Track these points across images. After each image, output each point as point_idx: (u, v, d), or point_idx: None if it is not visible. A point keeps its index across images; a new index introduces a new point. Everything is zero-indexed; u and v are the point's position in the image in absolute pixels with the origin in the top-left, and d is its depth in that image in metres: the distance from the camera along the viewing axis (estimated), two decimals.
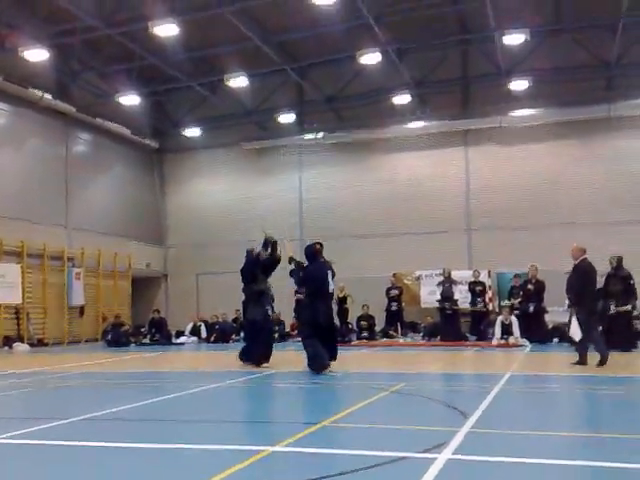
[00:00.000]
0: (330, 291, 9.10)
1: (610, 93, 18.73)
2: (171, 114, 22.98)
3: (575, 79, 18.93)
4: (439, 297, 16.33)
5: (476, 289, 16.70)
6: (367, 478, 3.57)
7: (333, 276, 9.20)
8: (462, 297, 16.81)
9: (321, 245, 9.25)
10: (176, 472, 3.73)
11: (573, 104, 18.61)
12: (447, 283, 16.38)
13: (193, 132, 22.30)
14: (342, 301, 18.76)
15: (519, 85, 18.79)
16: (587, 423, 5.33)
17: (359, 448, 4.25)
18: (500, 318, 14.71)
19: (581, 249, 9.68)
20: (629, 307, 12.55)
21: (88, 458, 4.14)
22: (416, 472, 3.50)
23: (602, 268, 16.97)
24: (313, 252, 9.19)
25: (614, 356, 9.36)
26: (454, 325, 15.99)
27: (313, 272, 8.95)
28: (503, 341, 14.21)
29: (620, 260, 12.75)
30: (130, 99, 19.69)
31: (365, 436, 4.89)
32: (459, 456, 3.87)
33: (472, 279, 16.98)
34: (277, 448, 4.20)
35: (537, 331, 14.68)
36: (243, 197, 22.14)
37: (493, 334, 14.79)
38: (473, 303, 16.67)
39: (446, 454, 3.90)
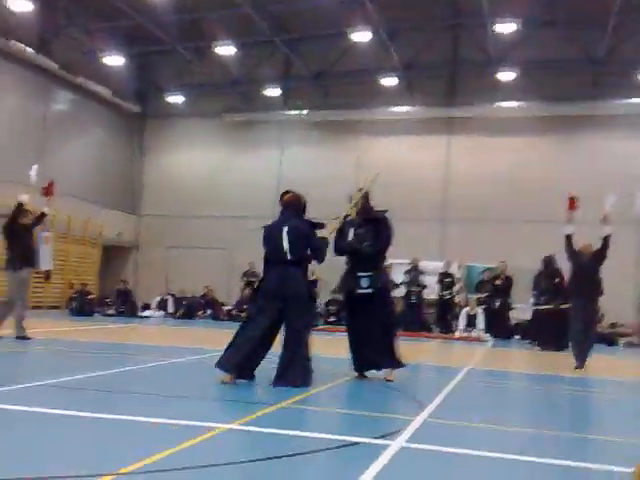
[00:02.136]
0: (285, 251, 6.26)
1: (596, 90, 18.81)
2: (155, 78, 22.56)
3: (562, 74, 18.96)
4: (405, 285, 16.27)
5: (445, 280, 16.79)
6: (319, 460, 3.57)
7: (315, 227, 6.55)
8: (429, 288, 16.86)
9: (287, 193, 6.69)
10: (126, 443, 3.69)
11: (557, 99, 18.69)
12: (413, 272, 16.48)
13: (176, 99, 21.96)
14: (312, 283, 18.75)
15: (506, 76, 18.81)
16: (540, 420, 5.41)
17: (314, 431, 4.25)
18: (466, 309, 14.90)
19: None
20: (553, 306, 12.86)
21: (34, 424, 4.08)
22: (368, 457, 3.52)
23: (563, 267, 17.42)
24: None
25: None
26: (419, 315, 16.13)
27: (265, 232, 6.54)
28: (466, 334, 14.40)
29: (549, 259, 13.31)
30: (114, 59, 19.32)
31: (321, 419, 4.91)
32: (412, 444, 3.90)
33: (443, 270, 17.05)
34: (232, 426, 4.19)
35: (500, 327, 14.91)
36: (221, 170, 21.86)
37: (457, 326, 15.01)
38: (441, 294, 16.79)
39: (400, 442, 3.93)
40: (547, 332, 12.34)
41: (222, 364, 6.05)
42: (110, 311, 18.05)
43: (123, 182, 22.68)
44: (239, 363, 6.03)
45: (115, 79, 20.84)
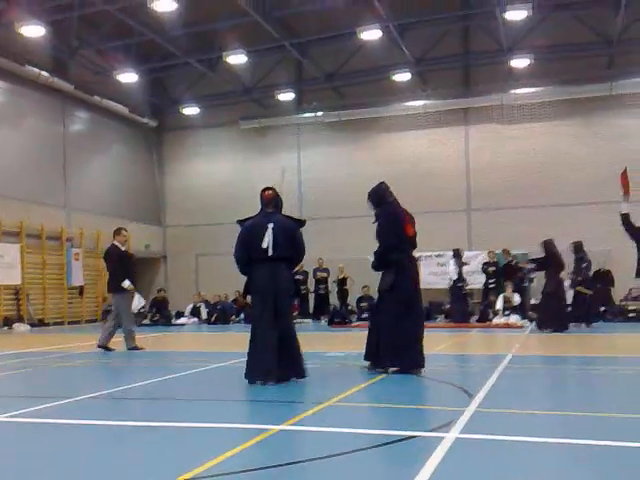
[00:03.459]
0: (264, 248, 6.12)
1: (612, 71, 18.62)
2: (169, 92, 22.81)
3: (577, 56, 18.76)
4: (453, 277, 15.69)
5: (489, 269, 16.62)
6: (376, 456, 3.56)
7: (301, 223, 6.45)
8: (472, 278, 16.79)
9: (268, 189, 6.49)
10: (182, 449, 3.71)
11: (574, 82, 18.46)
12: (461, 263, 16.22)
13: (191, 110, 22.14)
14: (342, 282, 18.80)
15: (520, 62, 18.64)
16: (590, 403, 5.33)
17: (366, 427, 4.24)
18: (504, 294, 14.80)
19: None
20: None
21: (92, 437, 4.13)
22: (425, 451, 3.50)
23: (600, 248, 17.23)
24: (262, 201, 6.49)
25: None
26: (466, 305, 15.95)
27: (246, 228, 6.36)
28: (504, 319, 14.27)
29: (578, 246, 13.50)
30: (128, 76, 19.51)
31: (371, 415, 4.90)
32: (467, 435, 3.87)
33: (487, 260, 16.90)
34: (283, 427, 4.19)
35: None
36: (241, 177, 22.01)
37: (494, 314, 14.88)
38: (486, 284, 16.60)
39: (454, 433, 3.90)
40: (548, 313, 12.36)
41: (249, 375, 6.07)
42: (145, 321, 18.24)
43: (146, 195, 22.93)
44: (268, 369, 5.97)
45: (131, 96, 21.07)
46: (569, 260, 13.59)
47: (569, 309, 13.39)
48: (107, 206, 20.72)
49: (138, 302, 10.15)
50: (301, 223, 6.50)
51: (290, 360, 6.10)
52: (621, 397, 5.46)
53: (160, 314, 18.49)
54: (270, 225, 6.17)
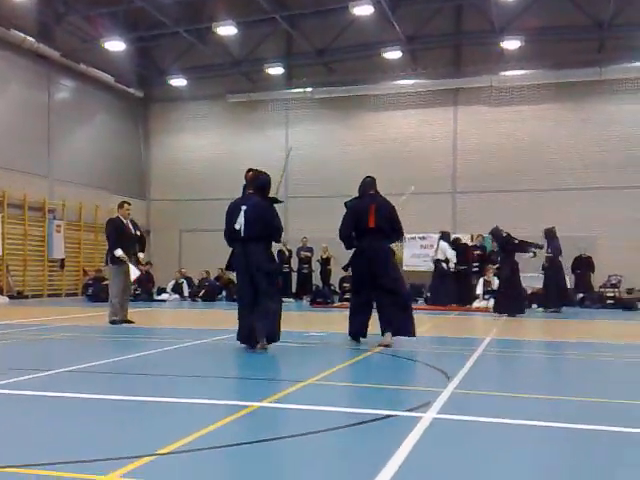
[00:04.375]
0: (237, 229, 6.71)
1: (602, 55, 18.60)
2: (157, 62, 22.45)
3: (567, 40, 18.71)
4: (441, 257, 15.54)
5: (474, 252, 16.62)
6: (354, 434, 3.59)
7: (274, 201, 6.92)
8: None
9: (250, 170, 7.06)
10: (162, 424, 3.72)
11: (564, 66, 18.45)
12: (452, 245, 16.14)
13: (179, 82, 21.84)
14: (325, 262, 18.82)
15: (511, 44, 18.55)
16: (565, 387, 5.41)
17: (345, 406, 4.28)
18: (484, 278, 14.91)
19: None
20: None
21: (69, 409, 4.14)
22: (403, 430, 3.53)
23: (583, 234, 17.42)
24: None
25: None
26: (451, 287, 15.93)
27: (227, 209, 6.98)
28: (484, 303, 14.40)
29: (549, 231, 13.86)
30: (115, 45, 19.17)
31: (350, 394, 4.94)
32: (444, 415, 3.91)
33: (473, 243, 16.85)
34: (263, 404, 4.21)
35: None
36: (228, 152, 21.83)
37: (475, 297, 14.99)
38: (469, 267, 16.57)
39: (431, 413, 3.94)
40: (505, 298, 12.61)
41: (238, 336, 6.95)
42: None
43: (131, 168, 22.68)
44: (246, 335, 6.81)
45: (117, 65, 20.74)
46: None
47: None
48: (91, 178, 20.48)
49: (133, 273, 10.10)
50: (274, 201, 6.91)
51: (264, 322, 6.68)
52: (596, 381, 5.56)
53: (142, 289, 18.37)
54: (243, 207, 6.72)
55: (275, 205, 6.96)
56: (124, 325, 9.89)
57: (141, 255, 10.56)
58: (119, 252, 9.87)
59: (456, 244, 16.06)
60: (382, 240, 7.46)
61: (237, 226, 6.70)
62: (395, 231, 7.54)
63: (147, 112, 23.29)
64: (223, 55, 20.88)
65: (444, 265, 15.38)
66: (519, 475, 2.92)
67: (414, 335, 7.34)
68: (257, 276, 6.68)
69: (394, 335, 7.25)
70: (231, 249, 7.05)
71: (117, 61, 20.51)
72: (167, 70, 21.92)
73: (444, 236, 15.88)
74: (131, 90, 22.08)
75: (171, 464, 2.99)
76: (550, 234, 13.89)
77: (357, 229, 7.51)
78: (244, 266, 6.74)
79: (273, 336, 6.77)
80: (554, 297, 13.95)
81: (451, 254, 15.51)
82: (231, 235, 6.82)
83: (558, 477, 2.96)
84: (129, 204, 10.71)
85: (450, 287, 15.41)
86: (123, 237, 10.13)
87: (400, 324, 7.25)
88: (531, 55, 18.66)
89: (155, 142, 23.31)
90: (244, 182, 7.15)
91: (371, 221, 7.36)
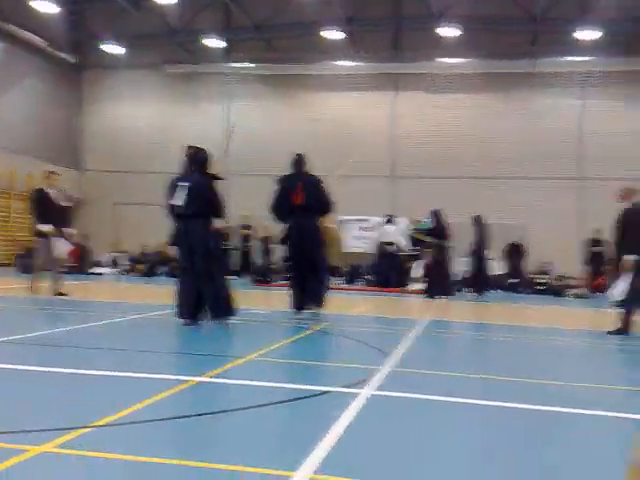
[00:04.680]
0: (179, 205, 6.73)
1: (535, 48, 19.12)
2: (92, 27, 21.56)
3: (503, 31, 19.12)
4: (386, 239, 15.83)
5: (412, 237, 16.89)
6: (292, 409, 3.64)
7: (215, 177, 6.95)
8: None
9: (191, 147, 7.03)
10: (99, 397, 3.67)
11: (500, 56, 18.89)
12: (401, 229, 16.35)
13: (114, 49, 21.12)
14: (266, 240, 18.76)
15: (450, 32, 18.82)
16: (498, 367, 5.63)
17: (284, 382, 4.32)
18: (420, 261, 15.22)
19: (632, 190, 7.80)
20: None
21: (4, 380, 4.01)
22: (338, 406, 3.59)
23: (516, 222, 18.00)
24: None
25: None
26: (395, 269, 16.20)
27: (168, 185, 6.99)
28: (421, 285, 14.73)
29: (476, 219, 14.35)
30: (47, 6, 18.38)
31: (290, 370, 4.99)
32: (381, 392, 4.01)
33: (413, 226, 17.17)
34: (202, 379, 4.20)
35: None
36: (165, 124, 21.30)
37: (411, 280, 15.30)
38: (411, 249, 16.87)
39: (368, 390, 4.03)
40: (435, 281, 13.14)
41: (178, 314, 6.86)
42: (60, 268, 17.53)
43: (64, 136, 21.84)
44: (187, 311, 6.80)
45: (50, 28, 19.88)
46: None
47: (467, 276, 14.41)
48: (22, 145, 19.59)
49: (59, 248, 9.82)
50: (216, 178, 6.98)
51: (208, 301, 6.78)
52: (521, 362, 5.80)
53: (77, 262, 17.85)
54: (184, 184, 6.74)
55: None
56: (57, 297, 9.62)
57: (71, 230, 10.27)
58: (44, 227, 9.63)
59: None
60: (310, 217, 7.83)
61: (179, 202, 6.72)
62: (324, 206, 7.92)
63: (80, 78, 22.43)
64: (160, 24, 20.30)
65: (390, 248, 15.61)
66: (449, 450, 3.04)
67: (321, 306, 7.99)
68: (198, 253, 6.72)
69: (312, 305, 7.91)
70: (175, 225, 7.05)
71: (49, 24, 19.67)
72: (102, 36, 21.06)
73: (390, 220, 16.11)
74: (64, 55, 21.22)
75: (106, 436, 2.96)
76: (477, 221, 14.42)
77: (287, 206, 7.82)
78: (185, 242, 6.77)
79: (221, 313, 6.88)
80: (480, 282, 14.51)
81: (400, 238, 15.78)
82: (173, 211, 6.85)
83: (484, 451, 3.09)
84: (56, 174, 10.30)
85: (395, 269, 15.74)
86: (47, 209, 9.82)
87: (317, 297, 7.91)
88: (468, 44, 18.96)
89: (89, 110, 22.50)
90: (182, 156, 7.14)
91: (298, 198, 7.68)
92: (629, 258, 7.33)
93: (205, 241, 6.77)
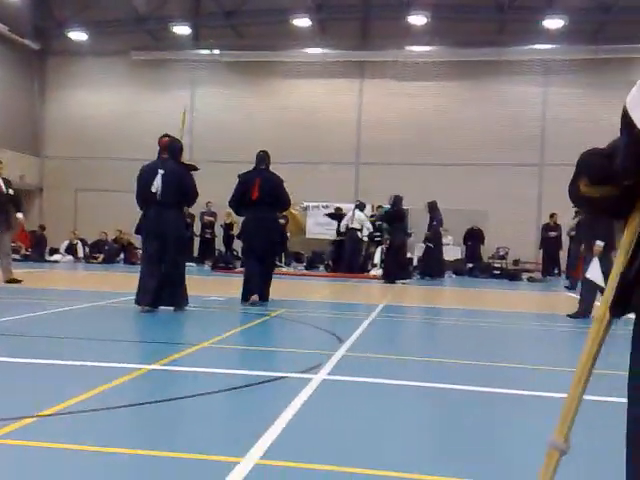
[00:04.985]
0: (154, 192, 6.76)
1: (502, 37, 19.31)
2: (55, 13, 21.06)
3: (471, 19, 19.27)
4: (356, 226, 15.74)
5: (376, 223, 16.96)
6: (246, 395, 3.66)
7: (191, 168, 7.15)
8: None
9: (165, 136, 7.17)
10: (47, 386, 3.63)
11: (467, 44, 19.02)
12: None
13: (79, 35, 20.77)
14: (228, 227, 18.66)
15: (417, 20, 18.90)
16: (448, 350, 5.74)
17: (237, 368, 4.34)
18: (382, 247, 15.38)
19: None
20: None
21: None
22: (291, 391, 3.63)
23: (476, 207, 18.30)
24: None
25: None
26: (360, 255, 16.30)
27: (140, 172, 7.08)
28: (381, 271, 14.88)
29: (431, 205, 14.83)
30: None
31: (244, 357, 5.01)
32: (334, 377, 4.06)
33: (373, 213, 17.23)
34: (155, 366, 4.19)
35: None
36: (130, 111, 21.04)
37: (373, 266, 15.45)
38: (369, 237, 16.97)
39: (321, 375, 4.07)
40: (394, 265, 13.40)
41: (137, 300, 6.84)
42: (15, 255, 17.13)
43: (24, 123, 21.39)
44: (147, 297, 6.76)
45: (12, 14, 19.35)
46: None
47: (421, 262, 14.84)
48: None
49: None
50: (191, 168, 7.14)
51: (170, 289, 6.82)
52: (475, 345, 5.93)
53: (34, 249, 17.50)
54: (160, 171, 6.78)
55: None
56: (9, 285, 9.41)
57: (19, 215, 10.17)
58: None
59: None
60: (266, 212, 7.97)
61: (154, 189, 6.75)
62: (280, 203, 8.16)
63: (44, 65, 21.98)
64: (126, 10, 19.92)
65: (359, 234, 15.70)
66: (396, 431, 3.10)
67: (267, 300, 8.02)
68: (169, 241, 6.77)
69: (259, 299, 7.89)
70: (142, 212, 7.03)
71: (10, 9, 19.19)
72: (66, 22, 20.65)
73: (360, 206, 16.20)
74: (26, 41, 20.73)
75: (53, 425, 2.93)
76: (432, 207, 14.69)
77: (244, 200, 8.00)
78: (156, 230, 6.77)
79: (181, 301, 6.95)
80: (436, 266, 14.81)
81: (368, 224, 15.88)
82: (146, 198, 6.83)
83: (433, 432, 3.17)
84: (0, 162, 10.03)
85: (359, 255, 15.92)
86: None
87: (263, 290, 7.97)
88: (436, 32, 19.07)
89: (52, 97, 22.06)
90: (146, 143, 7.19)
91: (254, 194, 7.87)
92: (599, 244, 7.54)
93: (178, 229, 6.91)
